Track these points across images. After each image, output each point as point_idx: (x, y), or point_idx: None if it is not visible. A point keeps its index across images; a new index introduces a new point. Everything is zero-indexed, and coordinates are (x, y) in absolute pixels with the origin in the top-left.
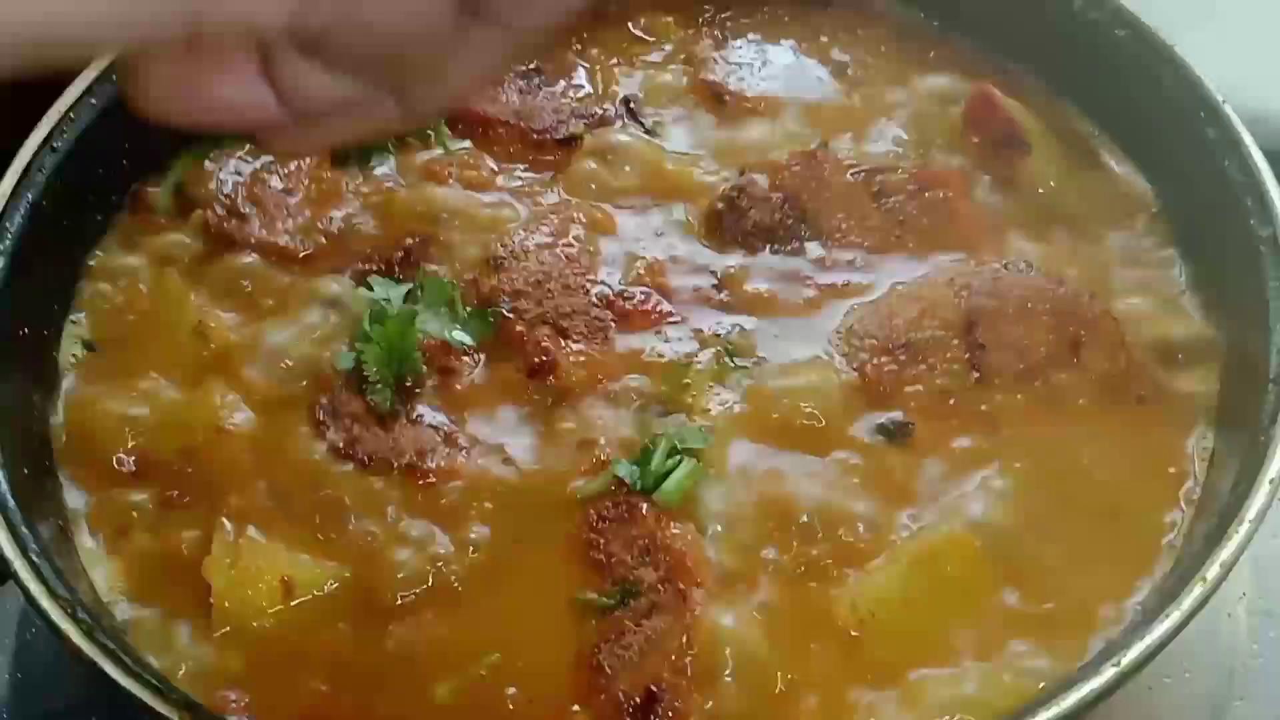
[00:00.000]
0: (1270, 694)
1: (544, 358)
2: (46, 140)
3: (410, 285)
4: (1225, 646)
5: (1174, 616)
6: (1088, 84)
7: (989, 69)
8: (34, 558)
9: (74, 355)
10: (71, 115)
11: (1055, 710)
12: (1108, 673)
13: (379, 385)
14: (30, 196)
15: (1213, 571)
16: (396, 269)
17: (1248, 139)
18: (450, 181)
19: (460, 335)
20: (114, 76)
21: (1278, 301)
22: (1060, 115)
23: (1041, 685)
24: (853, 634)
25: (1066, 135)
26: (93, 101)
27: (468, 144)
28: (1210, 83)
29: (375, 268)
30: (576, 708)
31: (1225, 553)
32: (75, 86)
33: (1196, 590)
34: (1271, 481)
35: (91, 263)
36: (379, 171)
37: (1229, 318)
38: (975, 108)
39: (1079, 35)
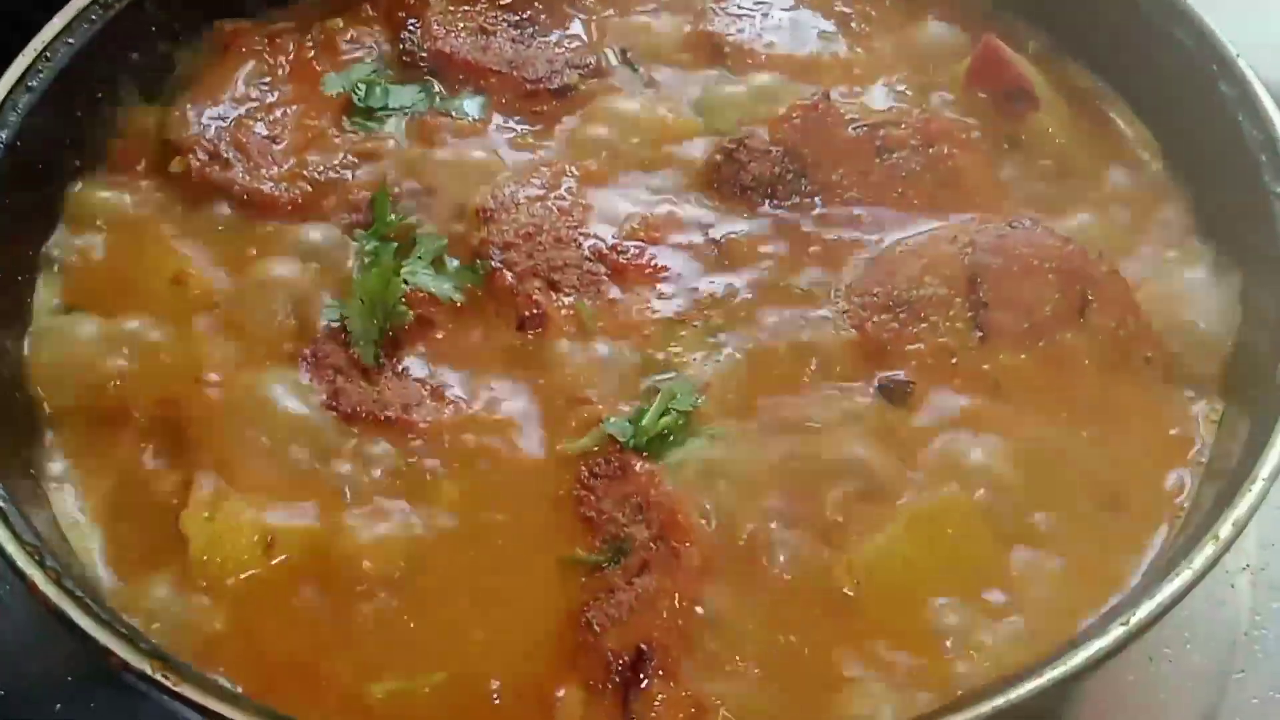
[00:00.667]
0: (1271, 666)
1: (535, 310)
2: (21, 79)
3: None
4: (1227, 619)
5: (1185, 575)
6: (1094, 39)
7: (993, 24)
8: (0, 503)
9: (49, 304)
10: (48, 54)
11: (1063, 669)
12: (1115, 631)
13: (362, 339)
14: (4, 136)
15: (1225, 530)
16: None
17: (1263, 94)
18: (441, 131)
19: (448, 288)
20: (93, 16)
21: None
22: (1066, 71)
23: (1045, 646)
24: (848, 593)
25: (1073, 91)
26: (70, 41)
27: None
28: (1223, 36)
29: (360, 218)
30: (562, 692)
31: (1238, 511)
32: (52, 25)
33: (1209, 549)
34: None
35: (68, 206)
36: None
37: (1241, 276)
38: (982, 62)
39: None
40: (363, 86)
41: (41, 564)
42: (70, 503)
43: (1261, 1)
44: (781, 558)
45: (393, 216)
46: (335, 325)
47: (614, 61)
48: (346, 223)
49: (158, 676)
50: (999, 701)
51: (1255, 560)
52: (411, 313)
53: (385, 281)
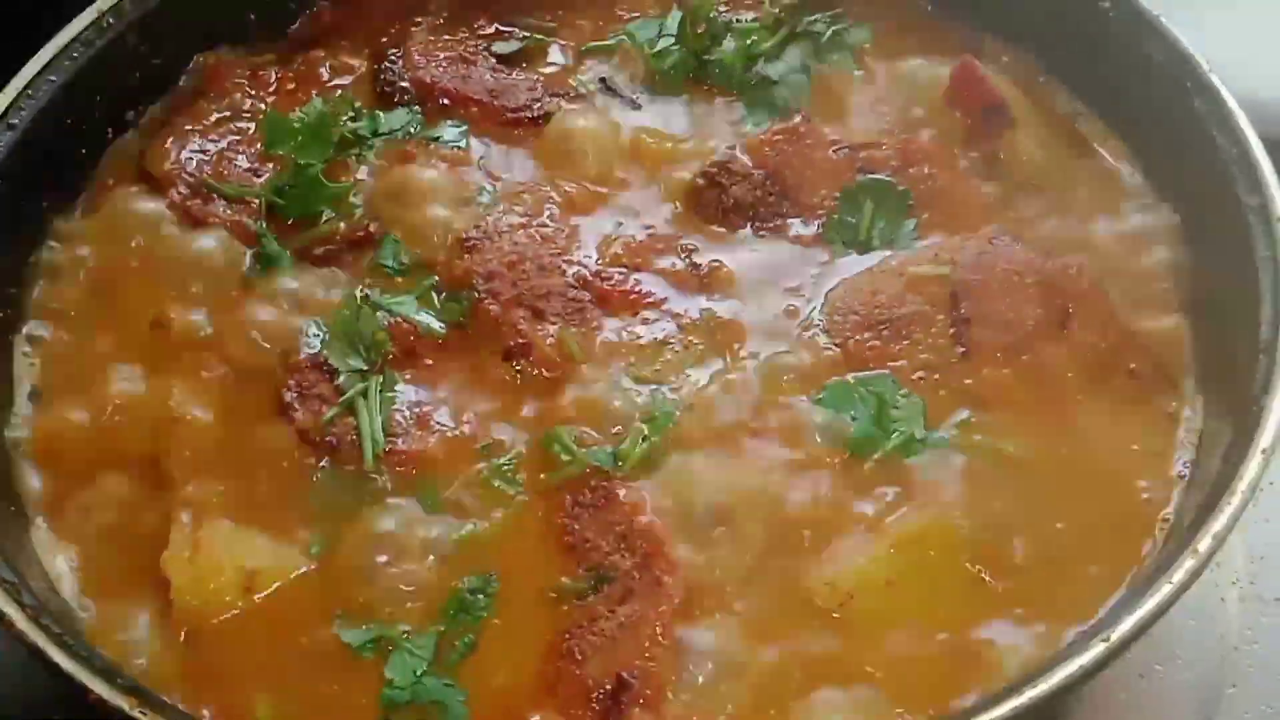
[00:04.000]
0: (1263, 680)
1: (520, 340)
2: (3, 116)
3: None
4: (1218, 633)
5: (1165, 590)
6: (1071, 59)
7: (971, 45)
8: None
9: (25, 352)
10: (30, 92)
11: (1044, 687)
12: (1097, 648)
13: (345, 371)
14: None
15: (1204, 543)
16: (361, 249)
17: (1235, 108)
18: (423, 161)
19: (431, 320)
20: (75, 53)
21: (1267, 270)
22: (1043, 91)
23: (1030, 665)
24: (833, 615)
25: (1050, 110)
26: (52, 79)
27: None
28: (1197, 54)
29: (339, 249)
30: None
31: (1217, 524)
32: (35, 62)
33: (1189, 563)
34: (1264, 451)
35: (49, 244)
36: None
37: (1218, 288)
38: (959, 82)
39: (1062, 9)
40: (350, 113)
41: (19, 601)
42: (50, 541)
43: (1232, 17)
44: (764, 583)
45: (397, 261)
46: (318, 356)
47: (594, 89)
48: (325, 253)
49: (135, 713)
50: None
51: (1244, 575)
52: (391, 344)
53: (355, 316)
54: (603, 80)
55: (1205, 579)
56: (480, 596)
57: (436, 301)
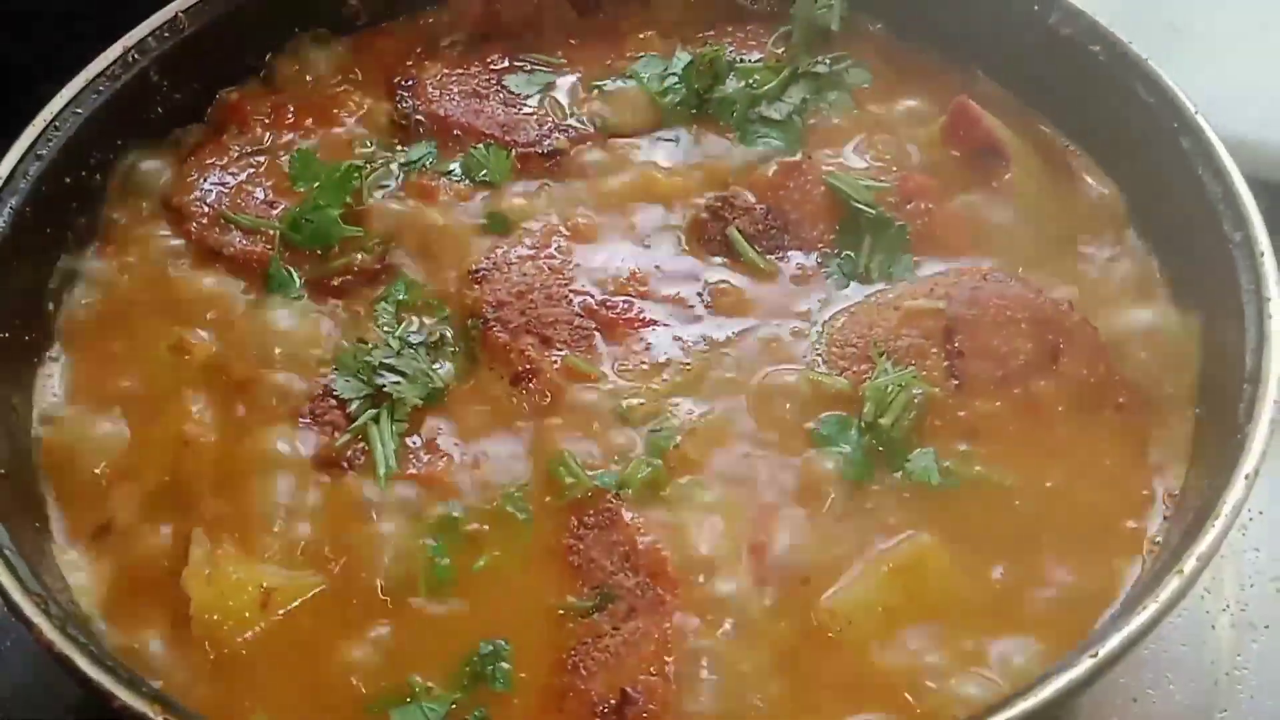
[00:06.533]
0: (1253, 705)
1: (527, 366)
2: (31, 148)
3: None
4: (1209, 658)
5: (1151, 609)
6: (1062, 99)
7: (966, 85)
8: (7, 553)
9: (48, 374)
10: (57, 124)
11: (1033, 700)
12: (1085, 663)
13: (355, 401)
14: (14, 203)
15: (1189, 565)
16: (377, 281)
17: (1220, 147)
18: (438, 194)
19: (433, 375)
20: (101, 87)
21: (1252, 302)
22: (1035, 130)
23: (1020, 683)
24: (831, 638)
25: (1042, 149)
26: (78, 111)
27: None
28: (1181, 93)
29: (356, 280)
30: None
31: (1202, 546)
32: (61, 96)
33: (1174, 583)
34: (1247, 476)
35: (74, 270)
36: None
37: (1205, 321)
38: (955, 121)
39: (1053, 51)
40: (369, 144)
41: (47, 612)
42: (71, 556)
43: (1217, 57)
44: (766, 602)
45: (410, 294)
46: (331, 383)
47: (601, 124)
48: (342, 284)
49: None
50: None
51: (1235, 601)
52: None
53: (353, 355)
54: (609, 117)
55: (1197, 605)
56: (501, 666)
57: (448, 336)
